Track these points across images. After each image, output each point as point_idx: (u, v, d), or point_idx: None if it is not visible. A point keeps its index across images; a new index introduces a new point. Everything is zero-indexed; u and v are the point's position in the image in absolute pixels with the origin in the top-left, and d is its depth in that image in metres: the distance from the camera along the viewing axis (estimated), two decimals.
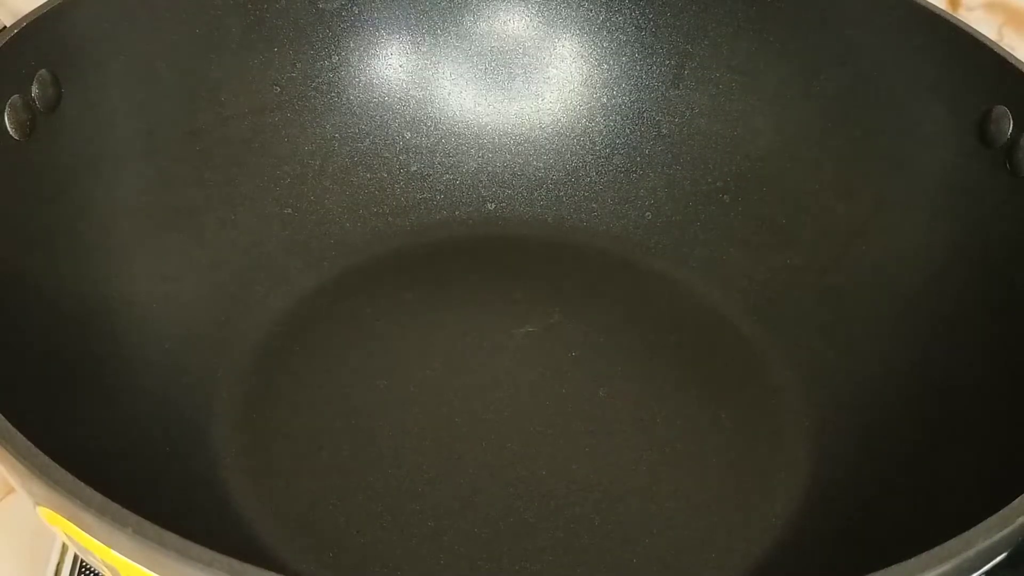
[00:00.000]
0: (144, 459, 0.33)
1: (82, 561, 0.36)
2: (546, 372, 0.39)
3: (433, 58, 0.46)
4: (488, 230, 0.45)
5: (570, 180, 0.46)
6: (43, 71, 0.34)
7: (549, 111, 0.46)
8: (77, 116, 0.35)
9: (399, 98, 0.45)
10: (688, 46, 0.44)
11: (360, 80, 0.45)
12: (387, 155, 0.45)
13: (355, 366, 0.39)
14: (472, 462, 0.36)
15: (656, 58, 0.45)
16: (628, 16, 0.45)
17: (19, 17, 0.34)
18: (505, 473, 0.36)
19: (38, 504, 0.23)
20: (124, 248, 0.37)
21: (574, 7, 0.45)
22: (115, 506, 0.21)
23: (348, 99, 0.44)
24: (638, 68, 0.45)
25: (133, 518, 0.21)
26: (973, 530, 0.23)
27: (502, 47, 0.46)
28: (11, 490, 0.37)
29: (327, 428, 0.37)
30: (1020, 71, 0.35)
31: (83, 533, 0.22)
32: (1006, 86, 0.35)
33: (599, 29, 0.45)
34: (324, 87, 0.44)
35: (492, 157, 0.46)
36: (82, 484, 0.22)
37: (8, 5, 0.46)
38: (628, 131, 0.46)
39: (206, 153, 0.41)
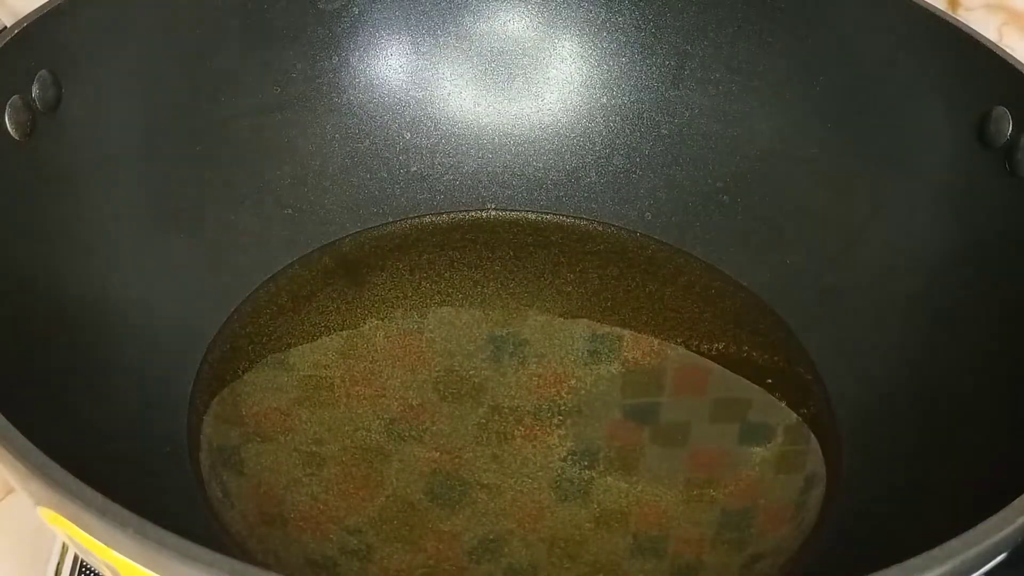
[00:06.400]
0: (144, 459, 0.33)
1: (82, 561, 0.36)
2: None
3: (433, 58, 0.46)
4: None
5: (570, 180, 0.46)
6: (43, 71, 0.34)
7: (549, 111, 0.46)
8: (77, 116, 0.35)
9: (399, 98, 0.45)
10: (688, 46, 0.44)
11: (360, 80, 0.45)
12: (387, 155, 0.45)
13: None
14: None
15: (656, 58, 0.45)
16: (628, 16, 0.45)
17: (19, 17, 0.34)
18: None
19: (38, 504, 0.23)
20: (124, 248, 0.37)
21: (574, 7, 0.45)
22: (116, 506, 0.21)
23: (348, 99, 0.44)
24: (638, 68, 0.45)
25: (134, 518, 0.21)
26: (973, 530, 0.23)
27: (502, 47, 0.46)
28: (11, 490, 0.37)
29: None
30: (1020, 71, 0.35)
31: (83, 533, 0.22)
32: (1006, 86, 0.35)
33: (599, 29, 0.45)
34: (324, 87, 0.44)
35: (492, 157, 0.46)
36: (82, 484, 0.22)
37: (8, 5, 0.46)
38: (628, 131, 0.46)
39: (206, 153, 0.41)
